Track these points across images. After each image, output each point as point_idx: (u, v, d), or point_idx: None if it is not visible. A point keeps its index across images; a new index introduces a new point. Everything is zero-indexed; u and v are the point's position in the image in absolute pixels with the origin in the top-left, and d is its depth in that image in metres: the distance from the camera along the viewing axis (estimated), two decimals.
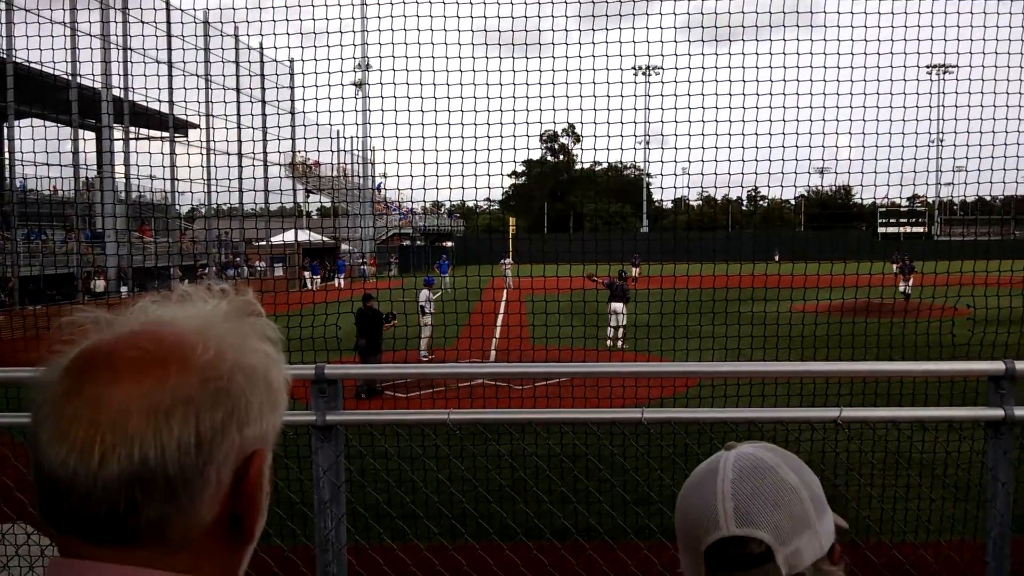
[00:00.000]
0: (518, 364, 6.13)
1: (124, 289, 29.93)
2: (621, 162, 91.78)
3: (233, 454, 0.84)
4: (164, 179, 36.20)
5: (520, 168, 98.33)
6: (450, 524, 5.29)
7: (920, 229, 73.38)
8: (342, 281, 38.96)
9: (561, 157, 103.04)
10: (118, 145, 35.86)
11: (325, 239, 48.50)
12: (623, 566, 4.91)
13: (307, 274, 43.98)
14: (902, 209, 73.79)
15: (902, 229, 73.48)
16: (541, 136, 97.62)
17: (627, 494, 5.06)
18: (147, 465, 0.78)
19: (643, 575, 4.79)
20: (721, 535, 1.15)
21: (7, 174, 33.99)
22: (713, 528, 1.16)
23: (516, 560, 4.53)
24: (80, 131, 34.63)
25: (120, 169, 32.70)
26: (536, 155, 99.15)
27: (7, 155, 33.54)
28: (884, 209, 73.02)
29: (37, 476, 0.82)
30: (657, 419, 3.49)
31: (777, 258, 24.82)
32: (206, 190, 30.86)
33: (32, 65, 20.73)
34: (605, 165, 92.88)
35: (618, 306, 19.88)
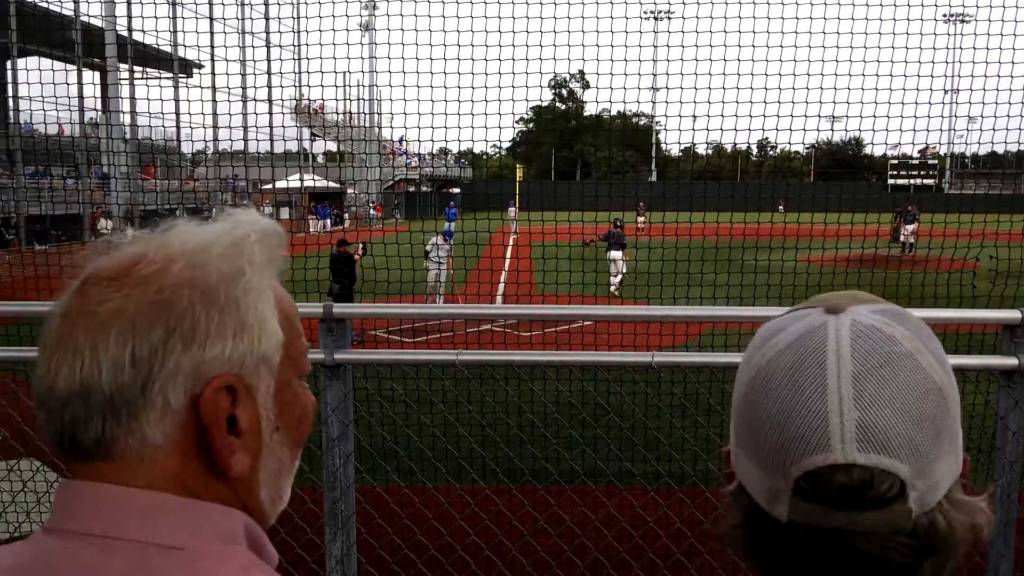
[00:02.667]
0: (526, 306, 6.08)
1: (130, 231, 29.88)
2: (631, 110, 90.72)
3: (184, 375, 0.80)
4: (167, 124, 35.93)
5: (528, 115, 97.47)
6: (457, 465, 5.33)
7: (931, 181, 72.77)
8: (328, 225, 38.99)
9: (570, 104, 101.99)
10: (124, 87, 35.55)
11: (331, 184, 48.30)
12: (629, 508, 4.96)
13: (312, 218, 43.89)
14: (913, 161, 73.12)
15: (912, 181, 72.88)
16: (550, 82, 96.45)
17: (635, 438, 5.08)
18: (86, 382, 0.79)
19: (649, 517, 4.84)
20: (831, 460, 0.77)
21: (11, 112, 33.77)
22: (818, 447, 0.77)
23: (523, 500, 4.57)
24: (84, 71, 34.31)
25: (125, 110, 32.45)
26: (545, 102, 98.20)
27: (10, 93, 33.28)
28: (895, 161, 72.37)
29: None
30: (668, 363, 3.47)
31: (782, 208, 24.64)
32: (213, 136, 30.68)
33: (35, 1, 20.47)
34: (614, 112, 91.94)
35: (616, 254, 20.12)
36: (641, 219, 38.88)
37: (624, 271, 19.69)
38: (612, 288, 19.42)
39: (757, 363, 0.84)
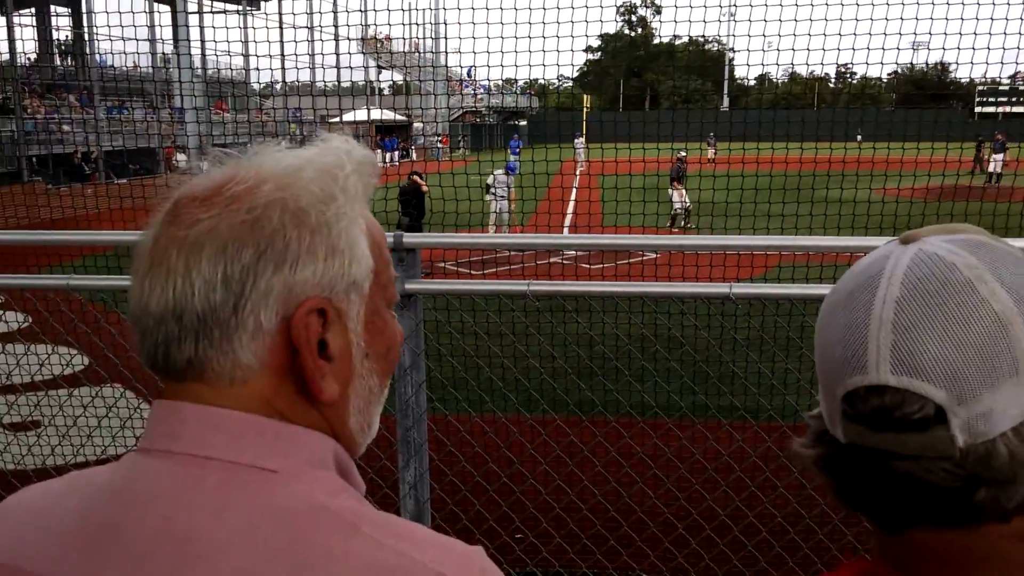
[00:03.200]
0: (595, 236, 6.00)
1: (204, 164, 30.52)
2: (703, 36, 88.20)
3: (276, 297, 0.80)
4: (238, 54, 36.22)
5: (596, 43, 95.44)
6: (528, 395, 5.34)
7: (1021, 109, 69.32)
8: (396, 157, 39.24)
9: (639, 31, 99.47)
10: (193, 19, 35.85)
11: (398, 116, 48.32)
12: (703, 441, 4.92)
13: (380, 151, 44.08)
14: (1003, 87, 69.63)
15: (1002, 109, 69.53)
16: (618, 7, 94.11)
17: (710, 371, 5.01)
18: (179, 301, 0.79)
19: (724, 451, 4.79)
20: (867, 381, 0.79)
21: (87, 46, 34.41)
22: (857, 368, 0.80)
23: (594, 431, 4.56)
24: (155, 4, 34.69)
25: (196, 44, 32.80)
26: (613, 29, 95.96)
27: (85, 28, 33.90)
28: (983, 87, 69.01)
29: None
30: (746, 295, 3.36)
31: (860, 137, 23.76)
32: (281, 65, 30.81)
33: None
34: (686, 39, 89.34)
35: (672, 190, 19.93)
36: (711, 151, 38.06)
37: (684, 204, 19.45)
38: (670, 224, 19.40)
39: (830, 293, 0.88)
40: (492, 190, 17.94)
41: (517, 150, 38.10)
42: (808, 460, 0.89)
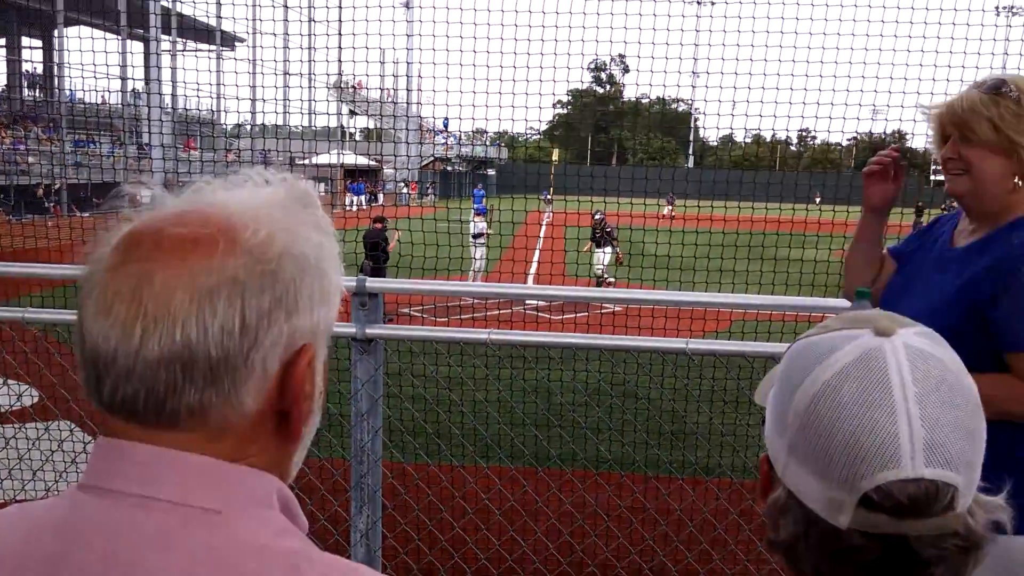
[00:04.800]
0: (559, 288, 6.05)
1: (155, 190, 30.30)
2: (670, 96, 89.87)
3: (281, 344, 0.81)
4: (205, 96, 36.21)
5: (567, 97, 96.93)
6: (485, 445, 5.32)
7: None
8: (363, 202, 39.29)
9: (608, 88, 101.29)
10: (165, 58, 35.83)
11: (369, 161, 48.43)
12: (656, 496, 4.92)
13: (348, 196, 44.04)
14: None
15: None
16: (589, 65, 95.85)
17: (665, 425, 5.03)
18: (189, 346, 0.76)
19: (676, 506, 4.79)
20: (902, 475, 0.83)
21: (56, 80, 34.21)
22: (889, 462, 0.84)
23: (550, 483, 4.54)
24: (128, 40, 34.64)
25: (167, 83, 32.76)
26: (583, 85, 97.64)
27: (55, 62, 33.73)
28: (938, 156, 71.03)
29: (81, 351, 0.80)
30: (701, 350, 3.41)
31: (818, 200, 24.19)
32: (252, 109, 30.85)
33: None
34: (653, 97, 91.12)
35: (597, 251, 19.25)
36: (668, 208, 38.48)
37: (603, 268, 18.79)
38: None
39: (817, 381, 0.90)
40: (478, 239, 18.03)
41: (480, 201, 38.35)
42: (791, 550, 0.92)
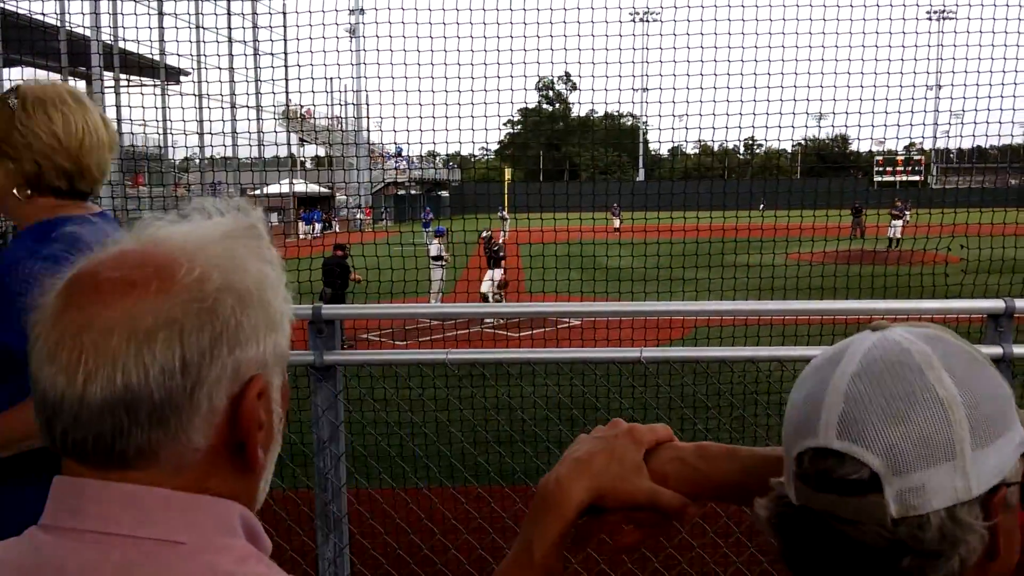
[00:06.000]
0: (516, 304, 6.11)
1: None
2: (617, 111, 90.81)
3: (226, 378, 0.81)
4: (151, 132, 35.76)
5: (516, 117, 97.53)
6: (449, 465, 5.32)
7: (916, 178, 73.07)
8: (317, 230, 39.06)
9: (557, 106, 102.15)
10: (109, 96, 35.36)
11: (321, 189, 48.20)
12: None
13: (301, 224, 43.76)
14: (899, 157, 73.43)
15: (898, 177, 73.24)
16: (537, 84, 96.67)
17: None
18: (131, 389, 0.77)
19: None
20: (815, 444, 0.86)
21: None
22: (809, 432, 0.87)
23: (515, 499, 4.56)
24: (71, 79, 34.14)
25: (111, 117, 32.28)
26: (531, 104, 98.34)
27: None
28: (881, 157, 72.67)
29: (34, 397, 0.81)
30: (656, 358, 3.47)
31: (762, 207, 24.56)
32: (200, 143, 30.54)
33: (19, 11, 20.38)
34: (601, 114, 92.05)
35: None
36: (617, 219, 38.79)
37: (494, 292, 17.98)
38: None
39: (839, 380, 0.90)
40: (436, 261, 17.97)
41: (428, 225, 38.32)
42: (762, 520, 0.93)
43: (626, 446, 1.08)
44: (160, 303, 0.79)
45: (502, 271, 18.47)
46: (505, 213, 38.82)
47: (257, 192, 43.09)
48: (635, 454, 1.07)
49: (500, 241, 19.23)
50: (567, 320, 12.42)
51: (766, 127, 12.90)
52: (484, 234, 19.15)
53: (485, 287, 17.95)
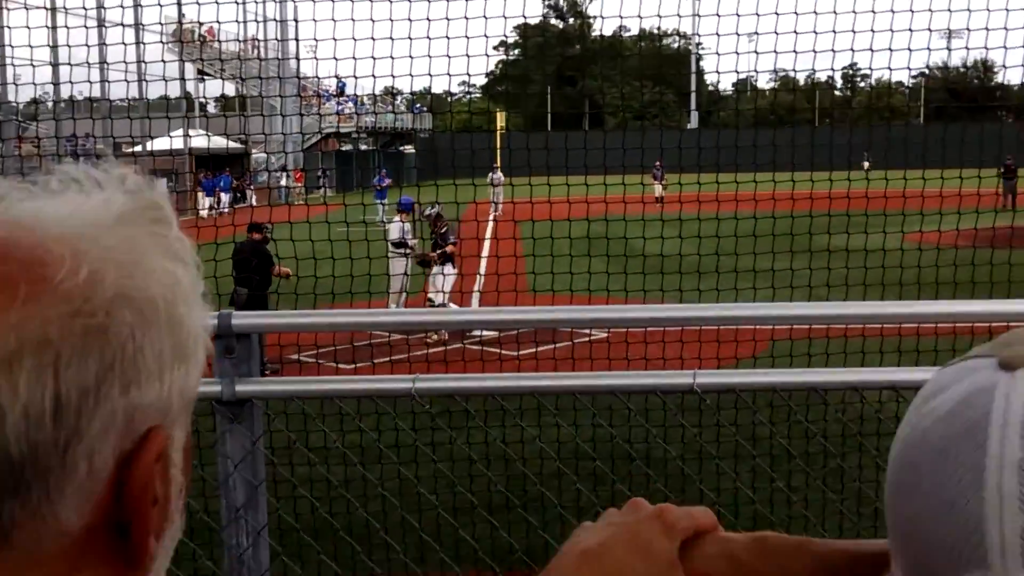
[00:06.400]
0: (513, 309, 6.07)
1: None
2: (661, 28, 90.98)
3: (114, 430, 0.79)
4: None
5: (512, 37, 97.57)
6: (419, 542, 5.32)
7: None
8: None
9: (571, 20, 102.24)
10: None
11: (231, 143, 48.18)
12: None
13: (201, 195, 43.88)
14: None
15: None
16: None
17: (671, 492, 5.09)
18: None
19: None
20: None
21: None
22: (973, 561, 0.81)
23: None
24: None
25: None
26: (535, 18, 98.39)
27: None
28: None
29: None
30: (716, 385, 3.49)
31: (867, 165, 24.49)
32: (54, 78, 30.53)
33: None
34: (635, 32, 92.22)
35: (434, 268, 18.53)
36: (659, 185, 38.77)
37: (442, 292, 18.32)
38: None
39: (905, 437, 0.90)
40: (404, 249, 18.07)
41: (384, 190, 38.29)
42: None
43: (654, 535, 1.07)
44: (27, 316, 0.76)
45: (455, 270, 18.15)
46: (498, 172, 38.85)
47: (137, 149, 42.97)
48: (667, 546, 1.07)
49: (448, 221, 18.81)
50: (587, 332, 12.43)
51: (871, 50, 12.82)
52: (428, 210, 18.93)
53: (434, 294, 17.79)
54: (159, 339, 0.82)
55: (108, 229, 0.83)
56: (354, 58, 11.99)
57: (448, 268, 18.48)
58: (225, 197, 49.33)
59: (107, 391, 0.78)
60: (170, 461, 0.86)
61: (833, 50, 12.99)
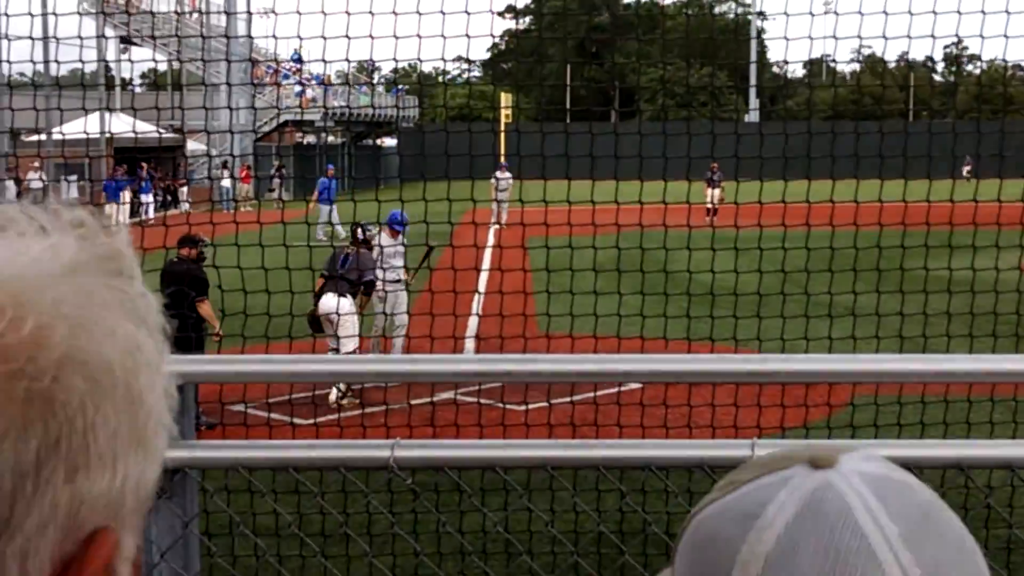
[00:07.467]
0: (521, 357, 6.05)
1: None
2: None
3: (56, 525, 0.81)
4: None
5: (523, 1, 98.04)
6: None
7: None
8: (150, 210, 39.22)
9: None
10: None
11: (161, 131, 48.35)
12: None
13: (122, 197, 43.95)
14: None
15: None
16: None
17: None
18: None
19: None
20: None
21: None
22: None
23: None
24: None
25: None
26: None
27: None
28: None
29: None
30: None
31: (967, 171, 24.55)
32: None
33: None
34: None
35: (338, 301, 17.21)
36: (716, 191, 38.67)
37: (376, 332, 18.46)
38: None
39: (757, 556, 1.06)
40: (400, 284, 18.18)
41: (332, 195, 38.26)
42: None
43: None
44: None
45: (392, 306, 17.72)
46: (505, 172, 38.87)
47: (39, 137, 43.00)
48: None
49: (376, 242, 18.76)
50: (615, 385, 12.40)
51: (982, 24, 12.91)
52: (369, 229, 18.65)
53: (348, 343, 16.83)
54: (114, 416, 0.83)
55: (57, 279, 0.84)
56: (324, 36, 11.98)
57: (380, 314, 18.18)
58: (148, 201, 49.26)
59: (49, 476, 0.79)
60: (117, 570, 0.86)
61: (934, 30, 13.02)
